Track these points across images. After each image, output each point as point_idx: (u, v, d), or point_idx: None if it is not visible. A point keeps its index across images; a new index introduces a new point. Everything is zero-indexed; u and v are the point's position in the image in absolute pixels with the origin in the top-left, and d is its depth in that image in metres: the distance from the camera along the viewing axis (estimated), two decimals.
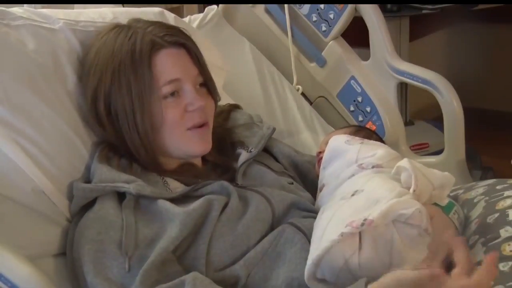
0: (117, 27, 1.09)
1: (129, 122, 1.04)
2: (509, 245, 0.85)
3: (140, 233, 0.91)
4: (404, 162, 0.93)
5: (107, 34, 1.08)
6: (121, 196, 0.97)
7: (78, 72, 1.14)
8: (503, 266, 0.82)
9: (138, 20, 1.11)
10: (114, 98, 1.04)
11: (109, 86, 1.04)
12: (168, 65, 1.04)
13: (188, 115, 1.04)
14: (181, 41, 1.06)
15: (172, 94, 1.04)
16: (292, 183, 1.13)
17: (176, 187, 1.04)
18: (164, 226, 0.93)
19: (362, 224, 0.82)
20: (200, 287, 0.84)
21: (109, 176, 0.99)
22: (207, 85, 1.10)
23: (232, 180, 1.09)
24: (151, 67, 1.02)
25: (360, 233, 0.83)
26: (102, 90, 1.05)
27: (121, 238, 0.90)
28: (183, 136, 1.05)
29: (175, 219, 0.92)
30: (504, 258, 0.83)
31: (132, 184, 0.97)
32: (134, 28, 1.07)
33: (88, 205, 0.98)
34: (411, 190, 0.88)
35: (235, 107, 1.33)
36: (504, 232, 0.87)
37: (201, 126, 1.06)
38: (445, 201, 0.95)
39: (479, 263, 0.85)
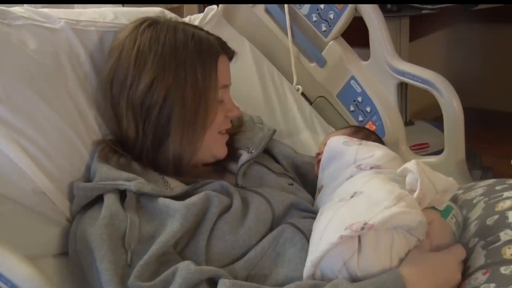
0: (152, 23, 1.09)
1: (175, 115, 1.03)
2: (509, 248, 0.84)
3: (142, 229, 0.92)
4: (412, 165, 0.91)
5: (148, 29, 1.07)
6: (122, 196, 0.97)
7: (79, 72, 1.14)
8: (505, 270, 0.82)
9: (183, 21, 1.18)
10: (174, 90, 1.03)
11: (173, 78, 1.04)
12: (225, 71, 1.11)
13: (226, 120, 1.12)
14: (232, 52, 1.15)
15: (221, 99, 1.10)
16: (292, 184, 1.13)
17: (176, 186, 1.04)
18: (164, 223, 0.93)
19: (362, 228, 0.82)
20: (194, 271, 0.84)
21: (109, 174, 1.00)
22: None
23: (232, 180, 1.09)
24: (217, 69, 1.08)
25: (359, 236, 0.83)
26: (162, 82, 1.03)
27: (125, 231, 0.90)
28: (215, 138, 1.11)
29: (175, 214, 0.92)
30: (505, 262, 0.83)
31: (133, 182, 0.97)
32: (184, 27, 1.09)
33: (89, 205, 0.98)
34: (415, 195, 0.88)
35: None
36: (504, 235, 0.87)
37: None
38: (443, 205, 0.94)
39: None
